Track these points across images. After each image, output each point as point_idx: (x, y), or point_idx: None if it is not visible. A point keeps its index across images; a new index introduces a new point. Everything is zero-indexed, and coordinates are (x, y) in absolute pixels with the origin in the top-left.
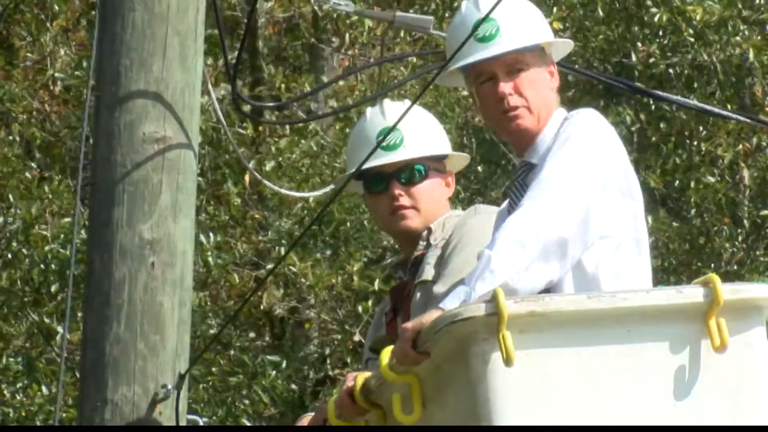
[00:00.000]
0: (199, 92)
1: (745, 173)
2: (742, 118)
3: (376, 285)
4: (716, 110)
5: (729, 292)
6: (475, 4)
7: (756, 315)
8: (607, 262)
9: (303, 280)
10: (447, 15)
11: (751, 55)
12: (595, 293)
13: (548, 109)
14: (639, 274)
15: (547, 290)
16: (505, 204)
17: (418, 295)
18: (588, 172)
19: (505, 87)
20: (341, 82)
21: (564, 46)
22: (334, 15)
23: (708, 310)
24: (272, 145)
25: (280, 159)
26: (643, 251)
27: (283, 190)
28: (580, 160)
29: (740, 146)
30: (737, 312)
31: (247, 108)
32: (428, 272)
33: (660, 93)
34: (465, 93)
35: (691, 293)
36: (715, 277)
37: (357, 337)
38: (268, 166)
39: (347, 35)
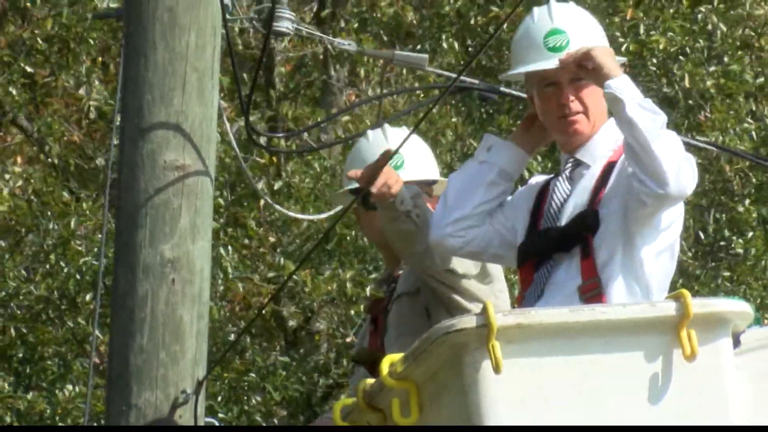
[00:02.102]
0: (216, 124)
1: None
2: (712, 148)
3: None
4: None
5: (698, 306)
6: (549, 14)
7: (723, 327)
8: (655, 265)
9: (305, 289)
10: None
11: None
12: (576, 307)
13: (602, 116)
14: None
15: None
16: (534, 180)
17: (394, 309)
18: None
19: (568, 94)
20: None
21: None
22: (345, 54)
23: (679, 323)
24: (283, 169)
25: (284, 182)
26: (675, 261)
27: (291, 213)
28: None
29: None
30: (706, 324)
31: (261, 140)
32: (400, 287)
33: None
34: (454, 119)
35: (664, 307)
36: (686, 293)
37: (349, 339)
38: (276, 186)
39: (362, 70)
